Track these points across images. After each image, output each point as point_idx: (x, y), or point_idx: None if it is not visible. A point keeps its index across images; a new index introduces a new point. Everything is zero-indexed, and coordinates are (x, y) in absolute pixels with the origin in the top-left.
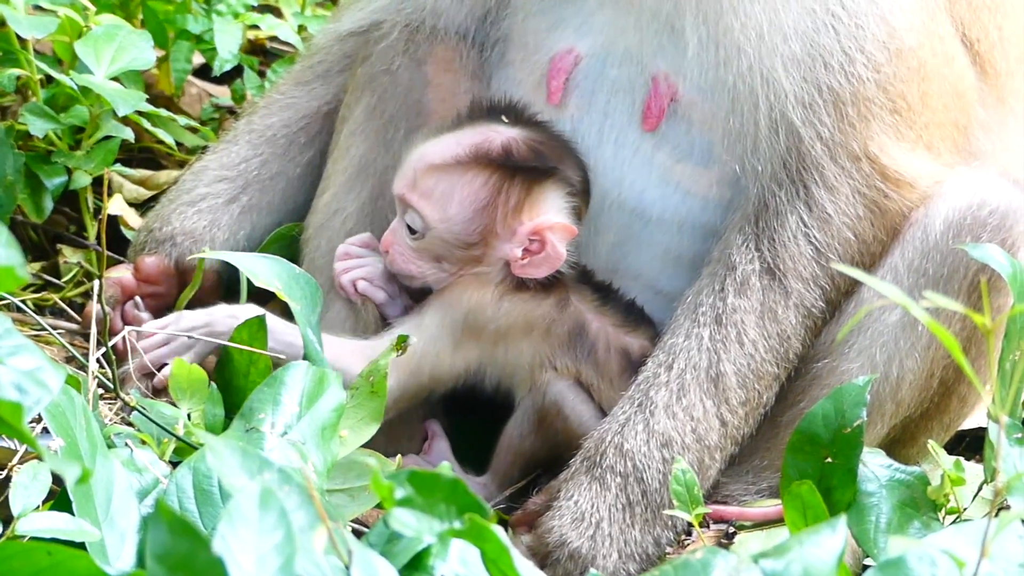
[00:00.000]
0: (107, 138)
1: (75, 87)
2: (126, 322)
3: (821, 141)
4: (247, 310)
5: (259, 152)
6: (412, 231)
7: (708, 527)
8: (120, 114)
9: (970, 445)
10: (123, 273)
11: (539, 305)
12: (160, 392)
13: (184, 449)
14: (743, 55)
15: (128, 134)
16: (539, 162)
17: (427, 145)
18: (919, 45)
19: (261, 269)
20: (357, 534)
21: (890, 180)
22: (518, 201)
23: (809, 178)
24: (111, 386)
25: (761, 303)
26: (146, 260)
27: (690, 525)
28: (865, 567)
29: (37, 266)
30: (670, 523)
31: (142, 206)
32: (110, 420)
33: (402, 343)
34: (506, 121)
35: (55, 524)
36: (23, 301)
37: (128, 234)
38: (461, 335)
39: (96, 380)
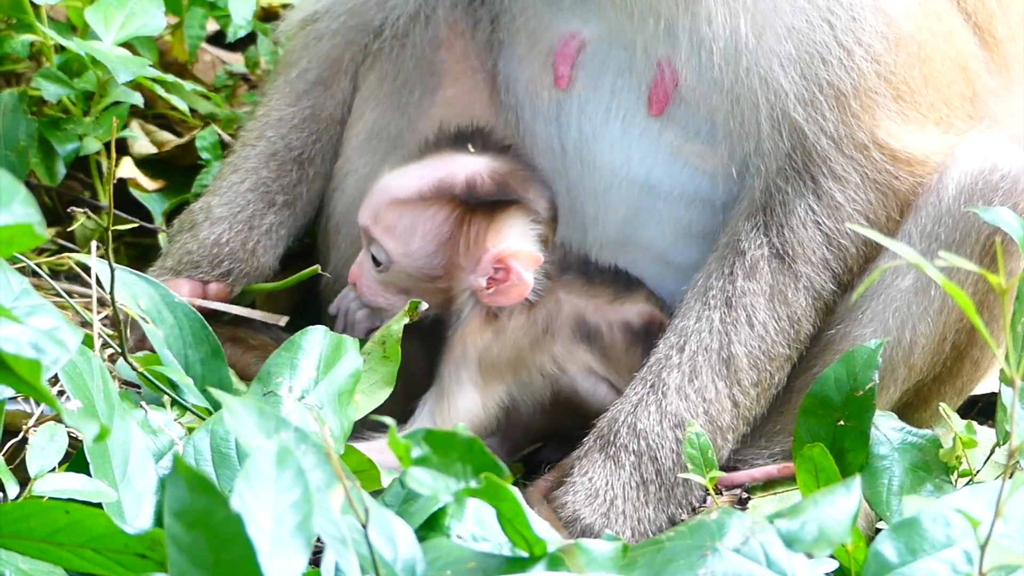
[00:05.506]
0: (117, 104)
1: (82, 53)
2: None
3: (826, 135)
4: None
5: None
6: (377, 263)
7: (721, 494)
8: (120, 81)
9: (982, 410)
10: (188, 291)
11: (534, 317)
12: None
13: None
14: (741, 57)
15: (137, 99)
16: (502, 194)
17: (392, 177)
18: (917, 29)
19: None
20: (373, 494)
21: (901, 161)
22: (480, 232)
23: (816, 171)
24: (119, 350)
25: (771, 286)
26: (212, 287)
27: (705, 493)
28: (878, 531)
29: (52, 231)
30: (684, 501)
31: (155, 165)
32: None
33: (413, 309)
34: (472, 150)
35: (72, 485)
36: (38, 265)
37: (141, 197)
38: (482, 381)
39: (102, 341)
